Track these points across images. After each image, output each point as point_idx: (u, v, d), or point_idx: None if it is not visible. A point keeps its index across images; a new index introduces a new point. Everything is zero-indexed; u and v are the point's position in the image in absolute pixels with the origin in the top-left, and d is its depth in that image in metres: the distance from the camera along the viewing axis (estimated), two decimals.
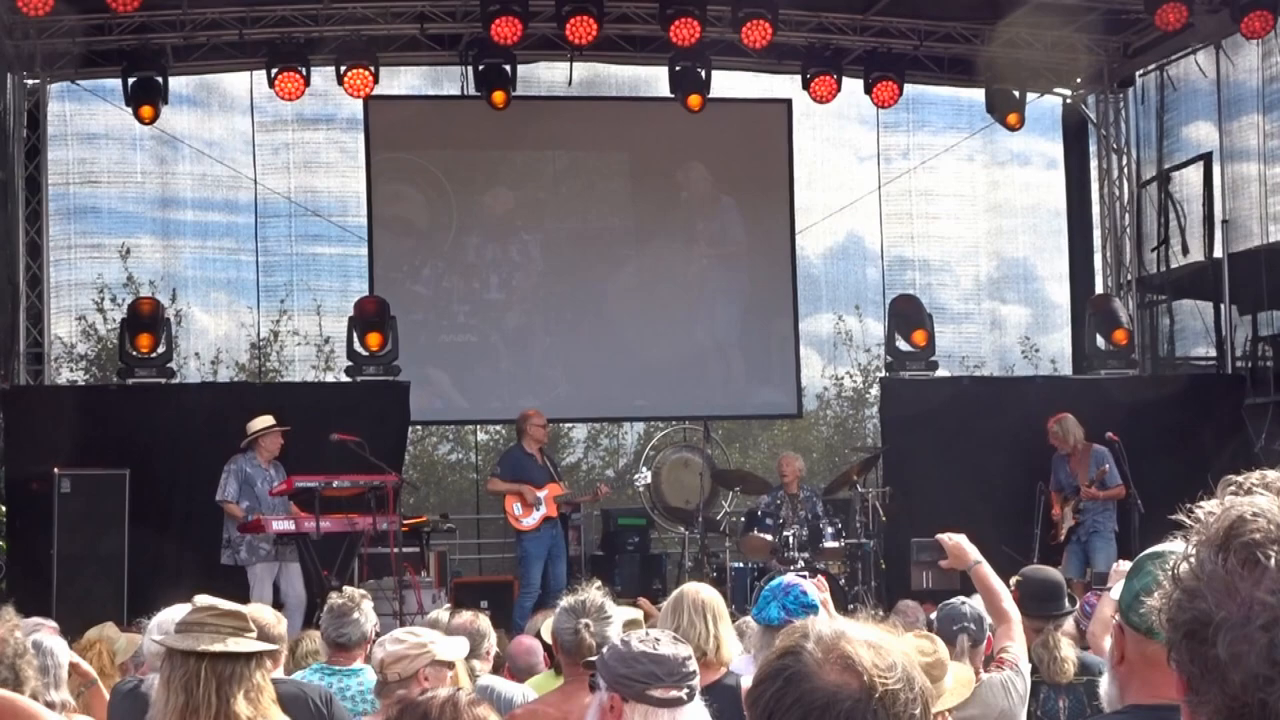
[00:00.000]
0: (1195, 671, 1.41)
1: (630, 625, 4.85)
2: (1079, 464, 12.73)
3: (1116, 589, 4.04)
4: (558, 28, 13.84)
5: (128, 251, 16.66)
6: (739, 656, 5.34)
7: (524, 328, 15.93)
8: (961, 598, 6.05)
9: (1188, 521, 1.46)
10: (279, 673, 5.67)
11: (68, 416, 12.75)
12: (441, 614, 7.12)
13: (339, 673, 5.86)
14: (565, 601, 4.87)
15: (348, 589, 6.63)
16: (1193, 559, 1.43)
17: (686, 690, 3.57)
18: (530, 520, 12.67)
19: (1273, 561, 1.38)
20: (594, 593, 4.83)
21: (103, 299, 17.28)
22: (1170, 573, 1.46)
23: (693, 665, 3.63)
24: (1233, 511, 1.42)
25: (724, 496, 14.55)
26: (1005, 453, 13.48)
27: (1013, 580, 6.28)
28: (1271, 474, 1.45)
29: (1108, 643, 6.87)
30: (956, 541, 5.34)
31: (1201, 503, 1.47)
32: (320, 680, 5.88)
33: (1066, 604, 6.26)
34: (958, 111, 17.13)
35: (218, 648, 3.91)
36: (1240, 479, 1.46)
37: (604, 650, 3.76)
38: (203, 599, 4.12)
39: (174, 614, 5.39)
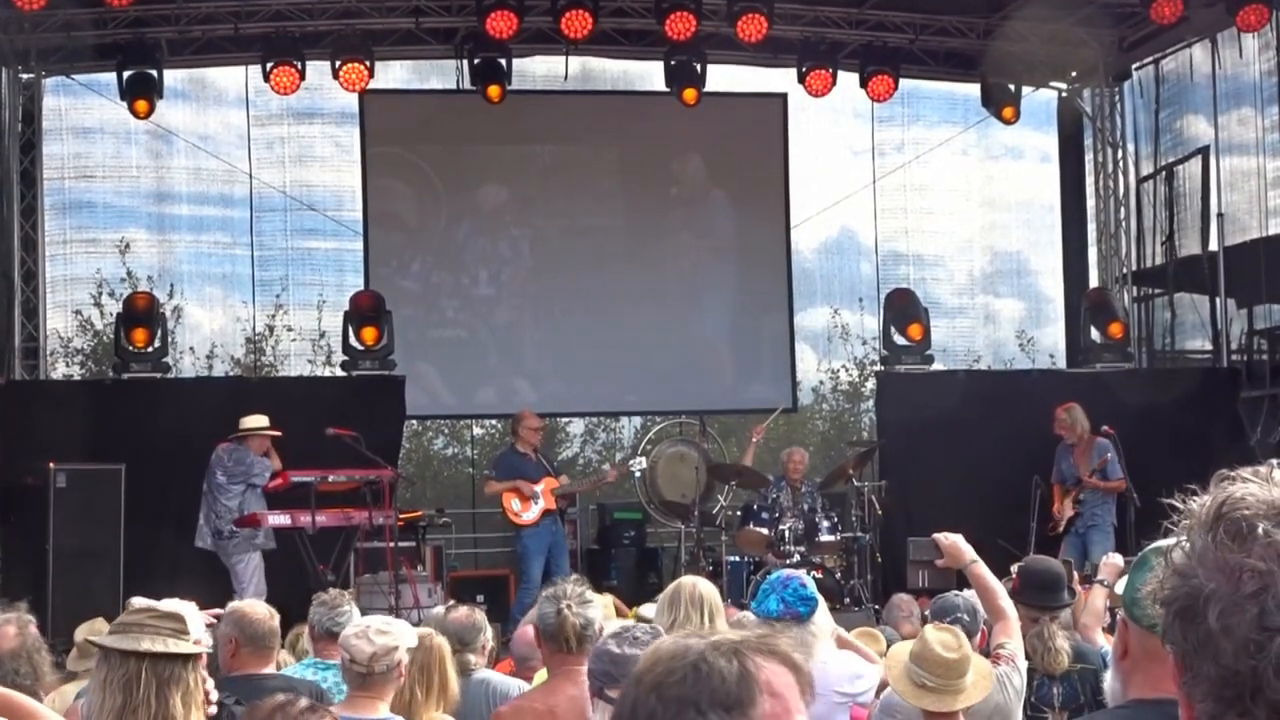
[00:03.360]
0: (1189, 648, 1.42)
1: (638, 618, 4.87)
2: (1082, 454, 12.72)
3: (1120, 583, 4.04)
4: (553, 21, 13.83)
5: (126, 246, 16.66)
6: None
7: (513, 323, 15.90)
8: (955, 590, 6.05)
9: (1181, 510, 1.47)
10: (270, 668, 5.69)
11: (63, 411, 12.74)
12: (439, 609, 7.15)
13: (333, 666, 5.86)
14: (544, 592, 4.91)
15: (332, 589, 6.70)
16: (1185, 544, 1.44)
17: None
18: (530, 515, 12.61)
19: (1261, 530, 1.39)
20: (571, 584, 4.87)
21: (100, 293, 17.26)
22: (1164, 559, 1.47)
23: None
24: (1221, 494, 1.44)
25: (720, 490, 14.53)
26: (1001, 446, 13.46)
27: (1014, 567, 6.26)
28: (1264, 467, 1.46)
29: (1099, 634, 6.86)
30: (953, 541, 5.34)
31: (1196, 495, 1.48)
32: (314, 674, 5.89)
33: (1065, 597, 6.24)
34: (952, 105, 17.13)
35: (159, 648, 3.81)
36: (1233, 473, 1.47)
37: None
38: (139, 601, 4.03)
39: None
